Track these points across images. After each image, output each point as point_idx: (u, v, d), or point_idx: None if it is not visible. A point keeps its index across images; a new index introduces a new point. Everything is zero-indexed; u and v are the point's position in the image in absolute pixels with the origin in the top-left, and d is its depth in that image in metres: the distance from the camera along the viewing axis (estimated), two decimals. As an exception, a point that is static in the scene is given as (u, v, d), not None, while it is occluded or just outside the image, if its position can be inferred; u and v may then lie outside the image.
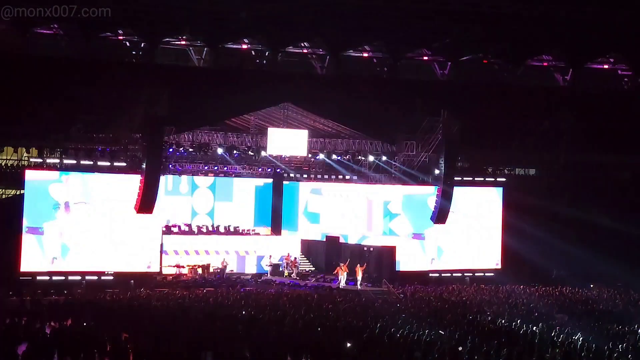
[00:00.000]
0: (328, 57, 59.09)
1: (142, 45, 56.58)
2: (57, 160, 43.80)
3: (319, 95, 49.94)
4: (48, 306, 34.88)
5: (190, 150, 47.58)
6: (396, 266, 46.69)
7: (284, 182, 51.95)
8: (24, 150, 46.32)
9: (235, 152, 48.72)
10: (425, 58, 61.18)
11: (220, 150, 48.20)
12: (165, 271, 46.07)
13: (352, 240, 49.03)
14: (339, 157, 50.35)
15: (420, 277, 47.01)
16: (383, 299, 39.39)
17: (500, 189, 50.03)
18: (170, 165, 47.23)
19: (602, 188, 54.36)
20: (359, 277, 44.51)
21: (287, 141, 47.92)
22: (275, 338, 27.58)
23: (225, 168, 49.94)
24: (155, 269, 44.54)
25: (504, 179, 51.65)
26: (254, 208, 52.05)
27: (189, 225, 49.55)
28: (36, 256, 41.65)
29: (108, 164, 43.79)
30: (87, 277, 42.20)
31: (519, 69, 61.82)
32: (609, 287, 44.85)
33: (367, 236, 48.59)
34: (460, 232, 48.47)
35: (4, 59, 50.40)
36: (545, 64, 62.11)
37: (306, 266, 50.06)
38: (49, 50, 53.90)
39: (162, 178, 44.31)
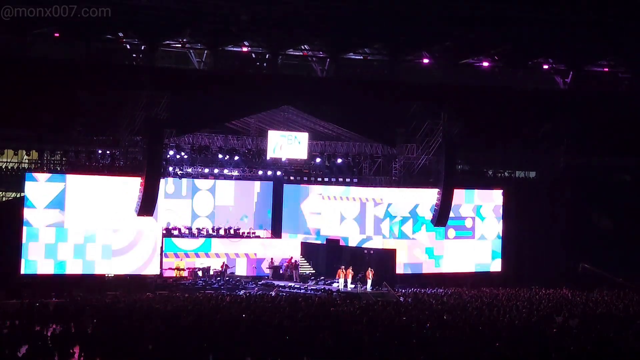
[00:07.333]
0: (328, 59, 59.08)
1: (143, 47, 56.56)
2: (58, 163, 43.79)
3: (319, 98, 49.96)
4: (48, 309, 34.82)
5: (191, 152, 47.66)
6: (396, 269, 46.68)
7: (284, 185, 51.90)
8: (24, 152, 46.31)
9: (235, 154, 48.73)
10: (426, 61, 61.17)
11: (220, 153, 48.21)
12: (165, 274, 46.11)
13: (353, 243, 49.00)
14: (340, 160, 50.33)
15: (420, 280, 47.02)
16: (383, 301, 39.32)
17: (500, 192, 50.03)
18: (171, 168, 47.21)
19: (603, 191, 54.31)
20: (369, 281, 44.55)
21: (287, 144, 47.93)
22: (276, 341, 27.56)
23: (226, 171, 49.92)
24: (155, 271, 44.57)
25: (504, 182, 51.69)
26: (254, 211, 52.01)
27: (189, 228, 49.52)
28: (36, 259, 41.67)
29: (108, 166, 43.76)
30: (88, 280, 42.22)
31: (520, 72, 61.79)
32: (609, 290, 44.83)
33: (367, 239, 48.56)
34: (461, 235, 48.43)
35: (4, 62, 50.39)
36: (545, 66, 62.09)
37: (307, 269, 50.06)
38: (49, 52, 53.86)
39: (162, 181, 44.33)
